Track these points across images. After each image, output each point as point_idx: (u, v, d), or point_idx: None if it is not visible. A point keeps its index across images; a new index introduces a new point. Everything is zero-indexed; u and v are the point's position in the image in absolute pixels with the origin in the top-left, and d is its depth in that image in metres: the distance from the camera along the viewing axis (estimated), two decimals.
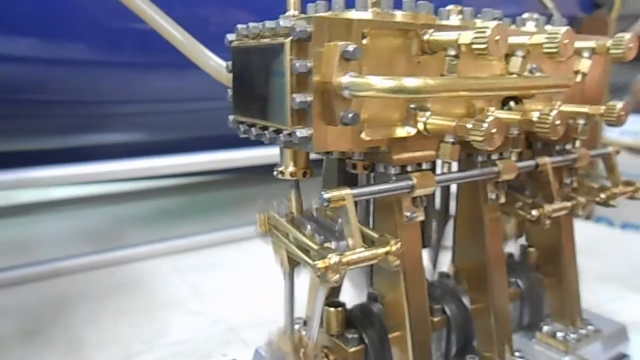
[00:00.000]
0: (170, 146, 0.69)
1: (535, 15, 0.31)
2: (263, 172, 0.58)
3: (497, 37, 0.20)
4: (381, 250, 0.22)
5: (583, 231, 0.68)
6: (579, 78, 0.29)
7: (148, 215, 0.80)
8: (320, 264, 0.20)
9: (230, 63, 0.25)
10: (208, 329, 0.47)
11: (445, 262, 0.33)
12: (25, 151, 0.64)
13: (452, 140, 0.22)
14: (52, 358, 0.42)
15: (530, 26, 0.30)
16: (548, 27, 0.31)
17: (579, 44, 0.28)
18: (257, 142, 0.26)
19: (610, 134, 1.34)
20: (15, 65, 0.53)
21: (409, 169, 0.24)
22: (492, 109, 0.25)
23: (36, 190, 0.79)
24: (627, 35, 0.27)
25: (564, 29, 0.23)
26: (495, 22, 0.20)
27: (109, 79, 0.58)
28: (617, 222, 1.21)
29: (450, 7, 0.28)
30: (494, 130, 0.20)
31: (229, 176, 0.75)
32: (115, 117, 0.63)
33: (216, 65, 0.32)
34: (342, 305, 0.27)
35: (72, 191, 0.83)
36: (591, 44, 0.28)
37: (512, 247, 0.36)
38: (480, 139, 0.20)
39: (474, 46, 0.20)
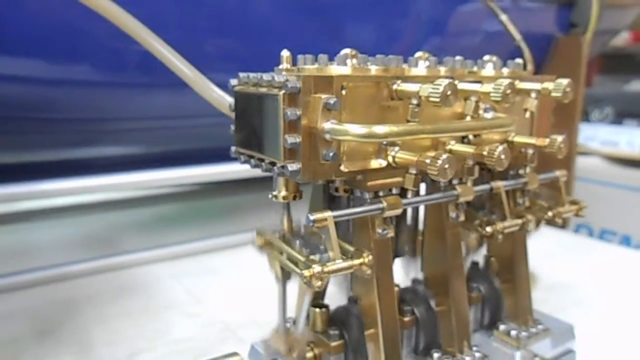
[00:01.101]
0: (166, 157, 0.74)
1: (494, 58, 0.36)
2: (256, 181, 0.63)
3: (449, 93, 0.25)
4: (357, 262, 0.27)
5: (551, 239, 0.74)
6: (527, 114, 0.35)
7: (146, 222, 0.85)
8: (306, 272, 0.25)
9: (233, 103, 0.30)
10: (206, 329, 0.52)
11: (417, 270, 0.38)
12: (33, 163, 0.69)
13: (414, 172, 0.28)
14: (64, 356, 0.47)
15: (489, 68, 0.36)
16: (504, 70, 0.36)
17: (527, 85, 0.34)
18: None
19: (592, 144, 1.41)
20: (24, 86, 0.57)
21: (380, 193, 0.29)
22: (453, 142, 0.31)
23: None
24: (565, 81, 0.32)
25: (506, 81, 0.28)
26: (447, 81, 0.25)
27: (111, 98, 0.62)
28: (596, 229, 1.28)
29: (418, 54, 0.33)
30: (446, 166, 0.26)
31: (223, 184, 0.80)
32: (116, 132, 0.68)
33: (218, 97, 0.37)
34: (326, 306, 0.33)
35: (71, 199, 0.87)
36: (537, 86, 0.33)
37: (479, 257, 0.42)
38: (435, 172, 0.26)
39: (430, 99, 0.26)
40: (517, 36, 0.50)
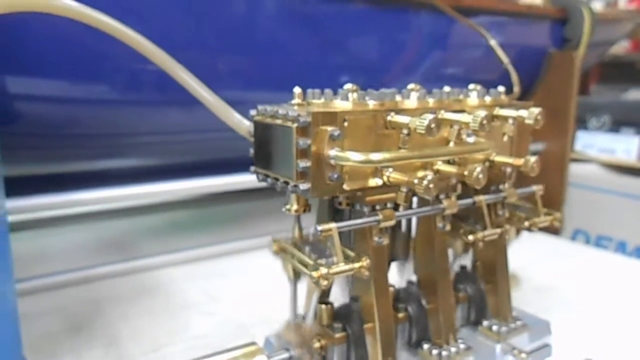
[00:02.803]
0: (180, 168, 0.80)
1: (478, 87, 0.42)
2: (263, 190, 0.69)
3: (432, 125, 0.31)
4: (357, 265, 0.33)
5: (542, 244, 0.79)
6: (505, 138, 0.40)
7: (160, 228, 0.91)
8: (314, 274, 0.31)
9: (252, 129, 0.36)
10: (221, 327, 0.58)
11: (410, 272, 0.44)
12: (57, 174, 0.75)
13: (405, 189, 0.33)
14: (96, 348, 0.52)
15: (473, 97, 0.41)
16: (487, 98, 0.42)
17: (505, 112, 0.40)
18: None
19: (589, 151, 1.47)
20: (47, 105, 0.63)
21: (377, 207, 0.35)
22: (439, 163, 0.36)
23: None
24: (536, 110, 0.38)
25: (482, 113, 0.34)
26: (431, 116, 0.31)
27: (129, 114, 0.68)
28: (593, 235, 1.33)
29: (410, 86, 0.39)
30: (431, 185, 0.32)
31: (233, 192, 0.86)
32: (134, 145, 0.74)
33: (237, 121, 0.43)
34: (331, 304, 0.38)
35: (89, 207, 0.93)
36: (513, 114, 0.39)
37: (467, 261, 0.48)
38: (422, 190, 0.32)
39: (417, 130, 0.31)
40: (505, 59, 0.56)
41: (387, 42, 0.76)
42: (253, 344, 0.36)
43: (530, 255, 0.78)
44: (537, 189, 0.43)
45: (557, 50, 0.95)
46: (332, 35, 0.74)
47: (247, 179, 0.72)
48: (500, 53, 0.57)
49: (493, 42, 0.57)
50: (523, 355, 0.41)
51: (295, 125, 0.31)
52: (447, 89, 0.40)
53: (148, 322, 0.58)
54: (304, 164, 0.31)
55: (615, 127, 1.45)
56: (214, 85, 0.44)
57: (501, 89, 0.43)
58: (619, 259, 0.83)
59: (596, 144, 1.47)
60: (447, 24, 0.79)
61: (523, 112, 0.38)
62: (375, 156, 0.31)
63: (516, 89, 0.53)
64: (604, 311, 0.61)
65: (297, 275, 0.36)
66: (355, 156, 0.30)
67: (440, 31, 0.77)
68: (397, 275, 0.43)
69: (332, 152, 0.31)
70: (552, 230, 0.94)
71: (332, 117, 0.32)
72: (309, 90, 0.35)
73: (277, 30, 0.71)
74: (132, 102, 0.67)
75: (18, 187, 0.57)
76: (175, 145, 0.76)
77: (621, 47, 1.83)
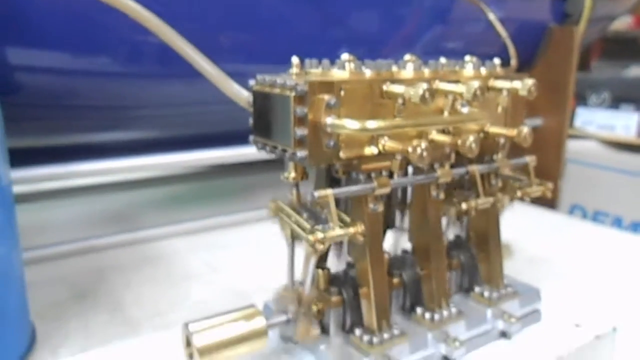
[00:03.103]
0: (181, 140, 0.81)
1: (474, 59, 0.43)
2: (263, 163, 0.70)
3: (427, 95, 0.32)
4: (351, 230, 0.34)
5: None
6: (499, 109, 0.41)
7: (162, 201, 0.93)
8: (311, 237, 0.32)
9: (251, 100, 0.37)
10: (221, 294, 0.59)
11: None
12: (60, 146, 0.76)
13: (400, 157, 0.34)
14: (101, 314, 0.54)
15: (469, 68, 0.42)
16: (482, 70, 0.42)
17: (499, 84, 0.40)
18: None
19: (589, 128, 1.47)
20: (49, 76, 0.63)
21: (372, 175, 0.36)
22: (434, 132, 0.37)
23: None
24: (530, 81, 0.39)
25: (476, 84, 0.34)
26: (425, 85, 0.32)
27: (130, 87, 0.69)
28: (590, 210, 1.35)
29: (407, 56, 0.39)
30: (424, 154, 0.32)
31: (233, 165, 0.87)
32: (135, 118, 0.75)
33: (236, 91, 0.43)
34: (328, 269, 0.40)
35: (91, 179, 0.94)
36: (507, 85, 0.40)
37: (461, 231, 0.49)
38: (416, 159, 0.33)
39: (412, 99, 0.32)
40: (503, 33, 0.56)
41: (386, 16, 0.76)
42: (252, 306, 0.38)
43: (525, 228, 0.80)
44: (530, 159, 0.44)
45: (557, 25, 0.95)
46: (332, 8, 0.74)
47: (247, 151, 0.73)
48: (499, 27, 0.57)
49: (492, 17, 0.57)
50: (513, 319, 0.42)
51: (292, 94, 0.32)
52: (443, 60, 0.41)
53: (151, 290, 0.60)
54: (301, 132, 0.32)
55: (615, 103, 1.45)
56: (214, 58, 0.44)
57: (497, 61, 0.43)
58: (614, 233, 0.84)
59: (596, 121, 1.47)
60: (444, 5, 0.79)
61: (517, 83, 0.39)
62: (371, 124, 0.31)
63: (513, 62, 0.54)
64: (595, 281, 0.63)
65: (294, 238, 0.38)
66: (351, 124, 0.31)
67: (440, 5, 0.77)
68: (393, 243, 0.44)
69: (329, 120, 0.32)
70: (549, 204, 0.96)
71: (329, 86, 0.32)
72: (307, 60, 0.36)
73: (277, 3, 0.71)
74: (133, 74, 0.68)
75: (21, 158, 0.58)
76: (177, 118, 0.77)
77: (623, 23, 1.81)
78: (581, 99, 1.49)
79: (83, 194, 0.89)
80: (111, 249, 0.70)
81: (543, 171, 1.01)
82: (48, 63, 0.62)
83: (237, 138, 0.70)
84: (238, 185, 0.99)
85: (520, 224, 0.80)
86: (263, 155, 0.37)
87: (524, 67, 0.99)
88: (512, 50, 0.54)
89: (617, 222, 1.27)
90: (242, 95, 0.42)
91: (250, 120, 0.37)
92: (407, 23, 0.81)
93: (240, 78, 0.42)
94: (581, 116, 1.49)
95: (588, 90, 1.48)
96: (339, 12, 0.74)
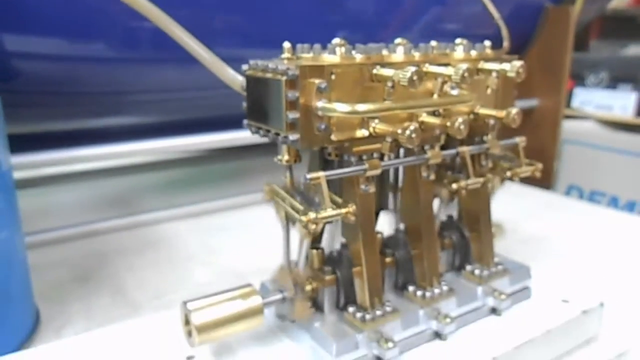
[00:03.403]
0: (177, 125, 0.82)
1: (465, 41, 0.43)
2: (259, 147, 0.70)
3: (415, 77, 0.33)
4: (343, 210, 0.35)
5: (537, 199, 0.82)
6: (489, 91, 0.42)
7: (160, 185, 0.94)
8: (304, 218, 0.33)
9: (245, 84, 0.38)
10: (220, 276, 0.61)
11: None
12: (58, 131, 0.76)
13: (390, 140, 0.35)
14: (103, 297, 0.56)
15: (459, 50, 0.43)
16: (472, 52, 0.43)
17: (488, 66, 0.41)
18: None
19: (587, 108, 1.47)
20: (47, 63, 0.64)
21: (364, 157, 0.37)
22: (424, 114, 0.38)
23: None
24: (518, 63, 0.39)
25: (464, 66, 0.35)
26: (414, 68, 0.33)
27: (126, 72, 0.69)
28: (587, 190, 1.36)
29: (398, 40, 0.40)
30: (413, 135, 0.33)
31: (230, 149, 0.88)
32: (132, 103, 0.75)
33: (231, 76, 0.44)
34: (322, 249, 0.41)
35: (90, 164, 0.95)
36: (496, 67, 0.40)
37: (453, 211, 0.50)
38: (405, 140, 0.33)
39: (401, 82, 0.33)
40: (496, 15, 0.56)
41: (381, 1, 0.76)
42: (248, 285, 0.39)
43: (522, 209, 0.81)
44: (520, 140, 0.45)
45: (553, 5, 0.95)
46: None
47: (243, 135, 0.74)
48: (492, 8, 0.57)
49: None
50: (503, 296, 0.43)
51: (284, 78, 0.33)
52: (433, 43, 0.41)
53: (152, 272, 0.61)
54: (293, 115, 0.33)
55: (613, 83, 1.45)
56: (208, 43, 0.45)
57: (487, 43, 0.44)
58: (608, 212, 0.86)
59: (593, 101, 1.47)
60: None
61: (505, 65, 0.40)
62: (361, 107, 0.32)
63: (506, 43, 0.54)
64: (586, 259, 0.64)
65: (289, 220, 0.39)
66: (341, 107, 0.32)
67: None
68: (386, 223, 0.45)
69: (320, 104, 0.33)
70: (545, 184, 0.97)
71: (319, 70, 0.33)
72: (299, 45, 0.37)
73: None
74: (129, 59, 0.68)
75: (21, 144, 0.58)
76: (173, 103, 0.77)
77: (622, 1, 1.80)
78: (579, 79, 1.49)
79: (83, 178, 0.90)
80: (112, 233, 0.71)
81: (539, 152, 1.02)
82: (45, 50, 0.62)
83: (233, 122, 0.71)
84: (235, 168, 1.00)
85: (516, 205, 0.81)
86: (258, 139, 0.38)
87: (521, 48, 0.99)
88: (504, 32, 0.54)
89: (614, 202, 1.28)
90: (237, 80, 0.43)
91: (244, 104, 0.38)
92: (403, 6, 0.81)
93: (237, 63, 0.43)
94: (579, 96, 1.49)
95: (586, 70, 1.48)
96: None
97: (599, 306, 0.46)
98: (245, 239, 0.71)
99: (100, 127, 0.80)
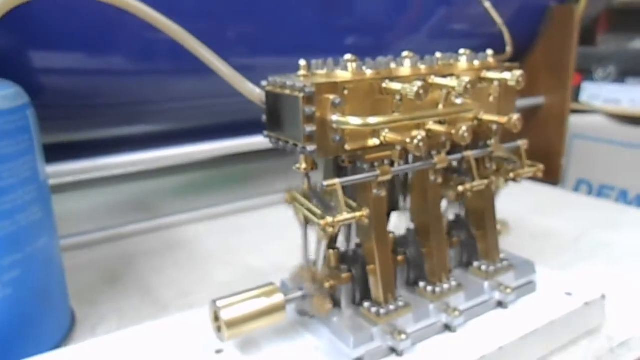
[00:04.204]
0: (195, 131, 0.86)
1: (468, 52, 0.46)
2: (273, 151, 0.74)
3: (421, 91, 0.36)
4: (358, 214, 0.38)
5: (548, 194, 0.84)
6: (491, 99, 0.45)
7: (179, 188, 0.98)
8: (322, 222, 0.37)
9: (264, 98, 0.41)
10: (241, 275, 0.64)
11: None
12: (82, 141, 0.81)
13: (399, 148, 0.39)
14: (133, 296, 0.59)
15: (463, 61, 0.46)
16: (475, 62, 0.46)
17: (490, 75, 0.44)
18: None
19: (595, 102, 1.49)
20: (69, 77, 0.68)
21: (375, 164, 0.40)
22: (431, 122, 0.41)
23: None
24: (518, 72, 0.42)
25: (467, 79, 0.38)
26: (420, 83, 0.36)
27: (145, 83, 0.73)
28: (596, 184, 1.38)
29: (405, 53, 0.43)
30: (420, 144, 0.36)
31: (245, 153, 0.91)
32: (151, 112, 0.79)
33: (250, 89, 0.47)
34: (338, 249, 0.44)
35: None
36: (497, 76, 0.43)
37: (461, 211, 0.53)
38: (413, 149, 0.37)
39: (407, 96, 0.36)
40: (499, 21, 0.59)
41: (387, 4, 0.79)
42: (271, 284, 0.42)
43: (530, 205, 0.84)
44: (522, 143, 0.48)
45: (557, 4, 0.97)
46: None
47: (259, 141, 0.77)
48: (494, 14, 0.60)
49: (487, 4, 0.60)
50: (508, 290, 0.46)
51: (301, 95, 0.36)
52: (438, 54, 0.44)
53: (176, 273, 0.65)
54: (310, 128, 0.36)
55: (621, 77, 1.47)
56: (222, 52, 0.47)
57: (490, 52, 0.47)
58: (615, 207, 0.88)
59: (602, 95, 1.49)
60: None
61: (506, 75, 0.43)
62: (372, 120, 0.35)
63: (508, 48, 0.57)
64: (590, 253, 0.67)
65: (307, 223, 0.42)
66: (354, 120, 0.35)
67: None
68: (398, 224, 0.49)
69: (335, 117, 0.36)
70: (554, 180, 0.99)
71: (333, 87, 0.36)
72: (313, 62, 0.40)
73: None
74: (145, 71, 0.72)
75: (47, 155, 0.62)
76: (190, 110, 0.81)
77: None
78: (587, 73, 1.51)
79: (104, 183, 0.94)
80: (136, 236, 0.75)
81: (546, 149, 1.05)
82: (69, 65, 0.66)
83: (248, 127, 0.75)
84: (248, 170, 1.04)
85: (525, 201, 0.84)
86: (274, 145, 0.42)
87: (526, 47, 1.01)
88: (507, 37, 0.57)
89: (623, 196, 1.29)
90: (255, 93, 0.46)
91: (264, 117, 0.42)
92: (409, 10, 0.84)
93: (247, 71, 0.46)
94: (587, 90, 1.51)
95: (594, 64, 1.50)
96: (343, 2, 0.77)
97: (601, 298, 0.49)
98: (261, 239, 0.74)
99: (121, 135, 0.84)
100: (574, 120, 1.29)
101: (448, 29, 0.91)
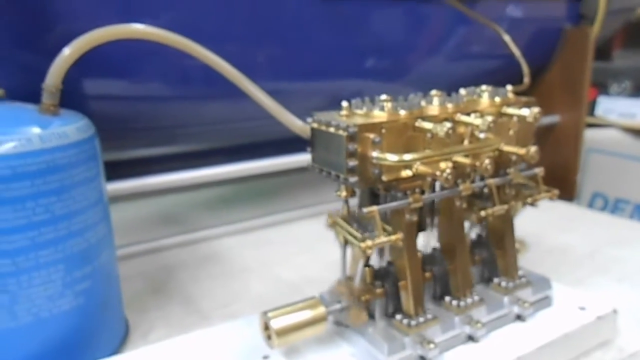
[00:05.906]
0: (228, 151, 0.92)
1: (490, 88, 0.52)
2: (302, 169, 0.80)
3: (450, 131, 0.42)
4: (393, 237, 0.44)
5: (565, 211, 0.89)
6: (511, 132, 0.51)
7: (210, 202, 1.04)
8: (362, 244, 0.43)
9: (306, 130, 0.47)
10: (276, 287, 0.70)
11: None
12: (125, 160, 0.87)
13: (430, 178, 0.44)
14: (175, 306, 0.65)
15: (485, 97, 0.51)
16: (496, 99, 0.51)
17: (510, 110, 0.50)
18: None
19: (610, 116, 1.53)
20: (114, 103, 0.74)
21: (408, 192, 0.46)
22: (457, 156, 0.47)
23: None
24: (536, 109, 0.48)
25: (490, 118, 0.44)
26: (448, 124, 0.42)
27: (183, 108, 0.79)
28: (611, 199, 1.42)
29: (433, 92, 0.49)
30: (449, 176, 0.42)
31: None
32: (189, 134, 0.86)
33: (291, 120, 0.53)
34: (372, 266, 0.50)
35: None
36: (517, 112, 0.49)
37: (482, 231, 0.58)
38: (442, 180, 0.42)
39: (438, 134, 0.42)
40: (517, 52, 0.65)
41: (407, 32, 0.85)
42: (314, 297, 0.48)
43: (546, 221, 0.89)
44: (539, 170, 0.53)
45: (572, 26, 1.02)
46: (358, 25, 0.83)
47: (288, 161, 0.83)
48: (513, 47, 0.65)
49: (507, 38, 0.66)
50: (526, 304, 0.52)
51: (345, 133, 0.42)
52: (462, 91, 0.50)
53: (214, 283, 0.71)
54: (352, 162, 0.42)
55: (637, 92, 1.51)
56: (252, 77, 0.52)
57: (509, 87, 0.53)
58: (629, 224, 0.93)
59: (617, 109, 1.53)
60: (463, 18, 0.87)
61: (525, 111, 0.48)
62: (407, 156, 0.41)
63: (526, 80, 0.62)
64: (604, 268, 0.72)
65: (346, 243, 0.48)
66: (392, 157, 0.41)
67: (457, 24, 0.86)
68: (424, 243, 0.54)
69: (374, 154, 0.42)
70: (569, 195, 1.04)
71: (373, 127, 0.42)
72: (353, 101, 0.46)
73: (302, 20, 0.79)
74: (183, 96, 0.78)
75: None
76: (223, 133, 0.87)
77: None
78: (602, 88, 1.55)
79: (139, 198, 1.01)
80: (175, 248, 0.82)
81: (562, 165, 1.10)
82: (113, 91, 0.73)
83: (281, 145, 0.81)
84: (275, 185, 1.10)
85: (542, 218, 0.89)
86: (301, 162, 0.47)
87: (542, 68, 1.07)
88: (525, 68, 0.63)
89: (638, 210, 1.34)
90: (295, 123, 0.52)
91: (308, 149, 0.48)
92: (429, 38, 0.90)
93: (280, 94, 0.50)
94: (602, 104, 1.56)
95: (609, 80, 1.54)
96: (365, 29, 0.83)
97: (612, 312, 0.54)
98: (291, 252, 0.80)
99: (156, 154, 0.90)
100: (590, 134, 1.34)
101: (465, 52, 0.97)
